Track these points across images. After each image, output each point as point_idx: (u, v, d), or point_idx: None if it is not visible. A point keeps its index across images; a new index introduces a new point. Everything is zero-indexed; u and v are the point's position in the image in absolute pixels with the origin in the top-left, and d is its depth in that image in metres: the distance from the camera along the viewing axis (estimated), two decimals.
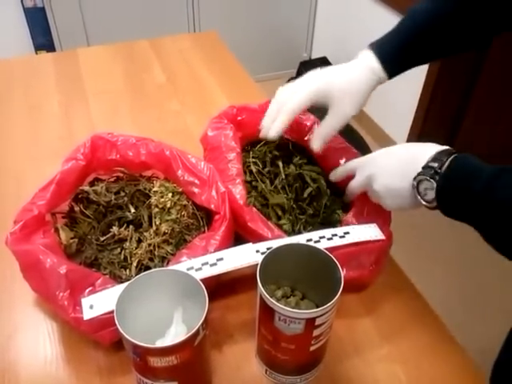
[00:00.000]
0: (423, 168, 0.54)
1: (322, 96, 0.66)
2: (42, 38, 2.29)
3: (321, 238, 0.63)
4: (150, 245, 0.63)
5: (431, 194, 0.54)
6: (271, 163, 0.74)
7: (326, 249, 0.60)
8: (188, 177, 0.67)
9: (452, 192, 0.52)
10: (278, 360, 0.54)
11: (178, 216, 0.66)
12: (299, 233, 0.67)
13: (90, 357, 0.59)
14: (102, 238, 0.65)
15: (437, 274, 1.74)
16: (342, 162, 0.74)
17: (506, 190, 0.47)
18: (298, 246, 0.55)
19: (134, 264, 0.62)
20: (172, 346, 0.45)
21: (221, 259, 0.58)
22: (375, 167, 0.62)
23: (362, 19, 2.36)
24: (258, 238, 0.63)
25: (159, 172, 0.72)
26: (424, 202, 0.55)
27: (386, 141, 2.30)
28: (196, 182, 0.67)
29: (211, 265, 0.57)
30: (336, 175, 0.71)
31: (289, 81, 0.72)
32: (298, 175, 0.73)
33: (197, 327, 0.46)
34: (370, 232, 0.65)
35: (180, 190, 0.69)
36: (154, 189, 0.69)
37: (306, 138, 0.76)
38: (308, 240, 0.61)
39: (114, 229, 0.65)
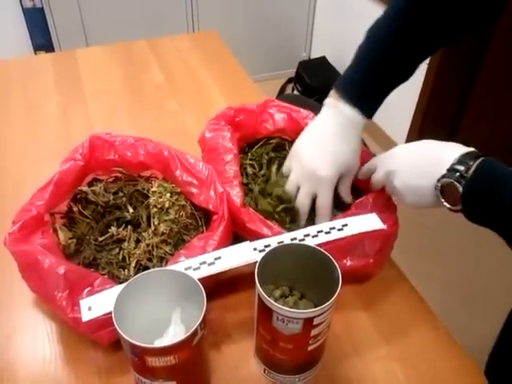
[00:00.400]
0: (448, 170, 0.54)
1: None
2: (41, 38, 2.28)
3: (319, 232, 0.62)
4: (148, 245, 0.63)
5: (456, 198, 0.53)
6: (268, 166, 0.74)
7: (328, 241, 0.60)
8: (186, 177, 0.67)
9: (478, 197, 0.52)
10: (276, 359, 0.54)
11: (177, 216, 0.66)
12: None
13: (88, 357, 0.59)
14: (100, 239, 0.65)
15: (437, 274, 1.74)
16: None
17: None
18: (297, 246, 0.55)
19: (133, 264, 0.62)
20: (170, 346, 0.45)
21: (219, 258, 0.58)
22: (396, 164, 0.62)
23: (361, 19, 2.34)
24: (258, 237, 0.62)
25: (157, 172, 0.72)
26: (448, 205, 0.55)
27: (385, 140, 2.30)
28: (194, 182, 0.67)
29: (209, 264, 0.57)
30: (362, 173, 0.70)
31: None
32: None
33: (195, 327, 0.46)
34: (369, 222, 0.63)
35: (178, 190, 0.69)
36: (153, 189, 0.69)
37: None
38: (306, 235, 0.61)
39: (113, 229, 0.65)
